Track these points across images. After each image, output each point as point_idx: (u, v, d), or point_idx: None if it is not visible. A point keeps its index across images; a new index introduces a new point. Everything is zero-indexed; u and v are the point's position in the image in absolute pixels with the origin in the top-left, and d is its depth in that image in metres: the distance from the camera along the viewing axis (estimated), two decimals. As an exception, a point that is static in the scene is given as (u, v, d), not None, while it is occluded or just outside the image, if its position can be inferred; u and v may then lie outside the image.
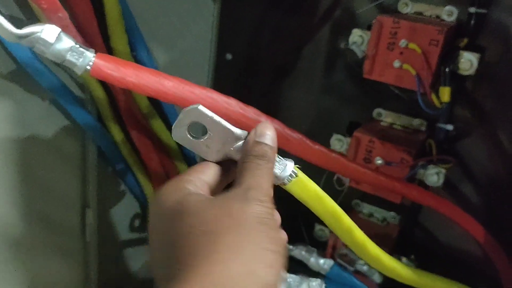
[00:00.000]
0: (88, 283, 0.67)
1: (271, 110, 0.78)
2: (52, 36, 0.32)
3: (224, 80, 0.79)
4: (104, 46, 0.53)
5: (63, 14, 0.41)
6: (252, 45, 0.76)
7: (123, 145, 0.61)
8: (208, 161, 0.32)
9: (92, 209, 0.62)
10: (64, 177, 0.59)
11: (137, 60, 0.61)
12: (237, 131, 0.31)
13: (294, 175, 0.34)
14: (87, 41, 0.51)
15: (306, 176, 0.35)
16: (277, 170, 0.33)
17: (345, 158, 0.53)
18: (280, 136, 0.39)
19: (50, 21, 0.41)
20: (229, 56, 0.77)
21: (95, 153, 0.60)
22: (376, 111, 0.67)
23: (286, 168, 0.33)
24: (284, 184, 0.34)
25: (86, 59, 0.33)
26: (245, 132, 0.31)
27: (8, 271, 0.55)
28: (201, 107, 0.30)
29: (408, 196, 0.57)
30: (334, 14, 0.69)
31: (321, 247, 0.69)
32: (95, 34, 0.51)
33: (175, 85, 0.37)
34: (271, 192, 0.30)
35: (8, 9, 0.31)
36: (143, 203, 0.70)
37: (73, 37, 0.41)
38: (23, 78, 0.50)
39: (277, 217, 0.30)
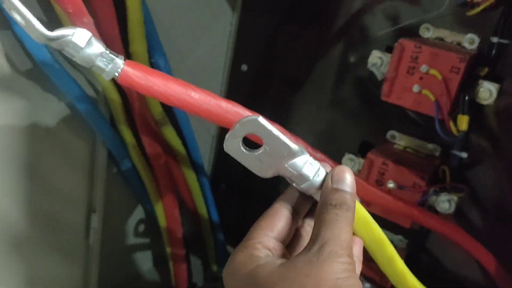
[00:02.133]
0: (87, 286, 0.66)
1: (283, 124, 0.78)
2: (83, 40, 0.31)
3: (238, 91, 0.79)
4: (124, 51, 0.53)
5: (88, 19, 0.41)
6: (268, 57, 0.76)
7: (133, 149, 0.61)
8: (275, 206, 0.31)
9: (98, 214, 0.61)
10: (72, 179, 0.59)
11: (154, 66, 0.61)
12: (295, 147, 0.29)
13: None
14: (107, 45, 0.50)
15: (367, 212, 0.33)
16: None
17: (366, 181, 0.52)
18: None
19: (75, 26, 0.41)
20: (244, 67, 0.77)
21: (104, 156, 0.59)
22: (390, 133, 0.67)
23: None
24: None
25: (116, 65, 0.33)
26: (303, 150, 0.30)
27: (9, 268, 0.55)
28: (261, 119, 0.29)
29: (425, 224, 0.56)
30: (350, 31, 0.69)
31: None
32: (115, 39, 0.50)
33: (201, 97, 0.36)
34: (350, 243, 0.28)
35: (32, 12, 0.30)
36: (149, 209, 0.69)
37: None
38: (39, 78, 0.50)
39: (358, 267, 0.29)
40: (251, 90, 0.79)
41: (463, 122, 0.54)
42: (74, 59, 0.31)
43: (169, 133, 0.65)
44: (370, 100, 0.68)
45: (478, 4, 0.53)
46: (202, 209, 0.75)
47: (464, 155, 0.60)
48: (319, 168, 0.31)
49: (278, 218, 0.30)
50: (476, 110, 0.58)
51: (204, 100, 0.36)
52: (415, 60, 0.55)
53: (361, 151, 0.68)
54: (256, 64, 0.76)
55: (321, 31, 0.72)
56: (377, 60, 0.59)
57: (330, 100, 0.72)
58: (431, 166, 0.61)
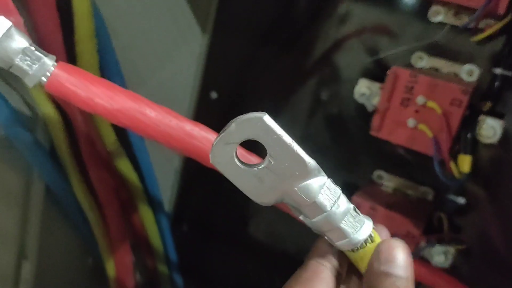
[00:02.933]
0: None
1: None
2: None
3: (206, 121, 0.70)
4: (68, 66, 0.43)
5: (17, 19, 0.31)
6: (240, 84, 0.68)
7: (78, 184, 0.51)
8: (311, 265, 0.23)
9: (30, 261, 0.50)
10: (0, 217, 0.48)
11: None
12: (311, 162, 0.22)
13: (370, 240, 0.24)
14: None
15: None
16: (349, 228, 0.24)
17: None
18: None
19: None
20: (214, 95, 0.68)
21: (42, 191, 0.49)
22: (377, 173, 0.59)
23: (362, 228, 0.24)
24: (353, 250, 0.24)
25: (43, 67, 0.24)
26: (319, 168, 0.23)
27: None
28: (267, 118, 0.22)
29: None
30: (333, 58, 0.62)
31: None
32: (58, 50, 0.41)
33: (159, 116, 0.27)
34: None
35: None
36: (95, 256, 0.59)
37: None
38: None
39: None
40: (220, 120, 0.70)
41: (466, 163, 0.47)
42: None
43: (124, 166, 0.56)
44: (353, 135, 0.61)
45: (482, 30, 0.47)
46: (159, 253, 0.65)
47: (461, 200, 0.53)
48: (339, 196, 0.24)
49: (319, 282, 0.23)
50: (476, 149, 0.51)
51: (162, 120, 0.27)
52: (410, 91, 0.48)
53: (344, 194, 0.60)
54: (226, 91, 0.68)
55: (299, 58, 0.65)
56: (365, 90, 0.52)
57: (307, 135, 0.65)
58: (425, 213, 0.54)
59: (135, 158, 0.57)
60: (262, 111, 0.70)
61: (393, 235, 0.49)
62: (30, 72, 0.24)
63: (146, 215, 0.61)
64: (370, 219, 0.25)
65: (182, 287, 0.70)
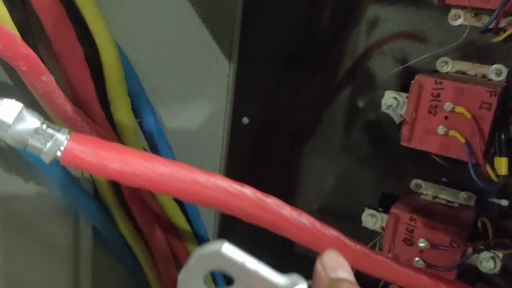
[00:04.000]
0: None
1: (292, 181, 0.71)
2: (11, 115, 0.24)
3: (241, 146, 0.72)
4: (103, 111, 0.46)
5: (48, 77, 0.34)
6: (270, 108, 0.70)
7: (122, 222, 0.53)
8: None
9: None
10: (52, 270, 0.51)
11: (142, 126, 0.55)
12: (281, 282, 0.21)
13: None
14: (83, 107, 0.44)
15: None
16: None
17: (394, 262, 0.41)
18: (310, 234, 0.31)
19: (31, 85, 0.34)
20: (245, 120, 0.70)
21: (89, 236, 0.52)
22: (415, 182, 0.58)
23: None
24: None
25: (57, 143, 0.26)
26: (297, 279, 0.22)
27: None
28: (225, 250, 0.21)
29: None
30: (358, 73, 0.63)
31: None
32: (91, 99, 0.44)
33: (174, 172, 0.28)
34: None
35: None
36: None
37: (60, 105, 0.34)
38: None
39: None
40: (254, 144, 0.72)
41: (502, 165, 0.46)
42: (2, 139, 0.24)
43: (164, 198, 0.58)
44: (387, 146, 0.61)
45: (503, 30, 0.46)
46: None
47: (504, 202, 0.52)
48: None
49: None
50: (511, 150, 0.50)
51: (177, 176, 0.28)
52: (436, 98, 0.48)
53: (382, 205, 0.59)
54: (257, 116, 0.70)
55: (326, 78, 0.65)
56: (391, 101, 0.52)
57: (342, 151, 0.65)
58: (468, 220, 0.52)
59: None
60: (294, 130, 0.71)
61: (435, 245, 0.49)
62: (44, 150, 0.26)
63: (191, 246, 0.63)
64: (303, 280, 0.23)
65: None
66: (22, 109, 0.25)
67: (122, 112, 0.48)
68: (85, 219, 0.51)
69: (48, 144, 0.26)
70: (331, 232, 0.34)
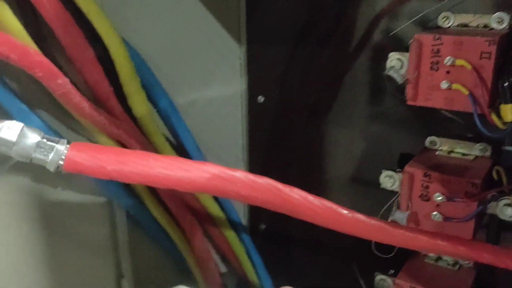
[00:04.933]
0: None
1: (311, 151, 0.73)
2: (14, 134, 0.28)
3: (260, 124, 0.75)
4: (120, 105, 0.50)
5: (63, 80, 0.38)
6: (284, 84, 0.72)
7: (154, 207, 0.57)
8: None
9: (127, 279, 0.58)
10: (95, 262, 0.56)
11: (161, 115, 0.58)
12: None
13: None
14: (102, 103, 0.48)
15: None
16: None
17: (390, 225, 0.43)
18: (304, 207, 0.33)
19: (50, 88, 0.38)
20: (261, 99, 0.72)
21: (123, 218, 0.56)
22: (429, 139, 0.59)
23: None
24: None
25: (57, 153, 0.29)
26: None
27: None
28: None
29: (479, 260, 0.46)
30: (369, 39, 0.64)
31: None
32: (107, 95, 0.48)
33: (169, 166, 0.31)
34: None
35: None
36: (186, 269, 0.65)
37: (78, 103, 0.38)
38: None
39: None
40: (272, 120, 0.74)
41: (508, 112, 0.46)
42: (9, 155, 0.28)
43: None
44: (400, 108, 0.62)
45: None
46: (245, 261, 0.70)
47: (518, 149, 0.52)
48: None
49: None
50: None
51: (172, 169, 0.31)
52: (437, 54, 0.49)
53: (402, 166, 0.61)
54: (272, 93, 0.72)
55: (336, 48, 0.67)
56: (395, 62, 0.53)
57: (358, 118, 0.66)
58: (483, 170, 0.53)
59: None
60: (309, 103, 0.73)
61: (451, 198, 0.50)
62: (48, 160, 0.29)
63: (224, 227, 0.67)
64: None
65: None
66: (23, 127, 0.29)
67: (139, 105, 0.52)
68: (118, 207, 0.55)
69: (50, 155, 0.29)
70: (323, 203, 0.36)
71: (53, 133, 0.46)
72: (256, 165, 0.77)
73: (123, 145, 0.51)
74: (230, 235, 0.68)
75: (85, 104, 0.41)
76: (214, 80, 0.69)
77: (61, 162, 0.29)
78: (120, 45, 0.46)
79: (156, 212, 0.58)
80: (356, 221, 0.38)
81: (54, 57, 0.45)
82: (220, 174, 0.32)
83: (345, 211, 0.38)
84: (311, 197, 0.36)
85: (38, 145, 0.29)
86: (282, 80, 0.72)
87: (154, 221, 0.58)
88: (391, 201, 0.56)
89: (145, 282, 0.61)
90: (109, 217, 0.56)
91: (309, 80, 0.71)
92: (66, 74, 0.45)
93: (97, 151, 0.30)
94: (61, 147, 0.29)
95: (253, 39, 0.71)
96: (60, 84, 0.38)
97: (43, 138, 0.29)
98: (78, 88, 0.46)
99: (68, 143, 0.30)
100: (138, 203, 0.56)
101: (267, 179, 0.34)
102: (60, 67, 0.45)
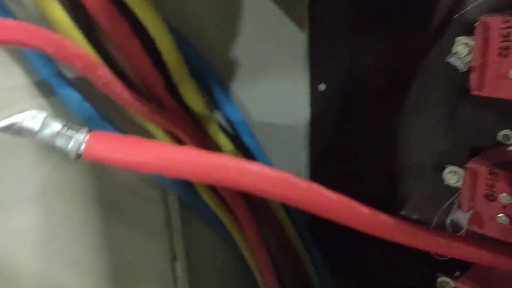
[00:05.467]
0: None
1: (379, 141, 0.69)
2: (37, 123, 0.29)
3: (322, 113, 0.72)
4: (169, 95, 0.51)
5: (102, 71, 0.40)
6: (346, 71, 0.68)
7: (205, 193, 0.58)
8: None
9: (181, 262, 0.60)
10: (150, 245, 0.58)
11: (216, 104, 0.59)
12: None
13: None
14: (150, 92, 0.50)
15: None
16: None
17: (415, 228, 0.39)
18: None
19: (90, 79, 0.40)
20: (322, 87, 0.70)
21: (176, 203, 0.58)
22: (502, 133, 0.53)
23: None
24: None
25: (77, 142, 0.30)
26: None
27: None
28: None
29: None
30: (440, 22, 0.58)
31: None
32: (155, 84, 0.49)
33: (185, 155, 0.31)
34: None
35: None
36: (236, 251, 0.65)
37: (119, 93, 0.39)
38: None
39: None
40: (335, 110, 0.71)
41: None
42: (33, 141, 0.30)
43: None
44: (469, 97, 0.56)
45: None
46: (300, 249, 0.69)
47: None
48: None
49: None
50: None
51: (187, 159, 0.31)
52: (507, 38, 0.43)
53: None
54: (334, 81, 0.69)
55: (403, 34, 0.62)
56: (461, 48, 0.48)
57: (422, 108, 0.61)
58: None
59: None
60: (373, 90, 0.69)
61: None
62: (68, 148, 0.30)
63: (281, 219, 0.66)
64: None
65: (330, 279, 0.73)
66: (46, 117, 0.30)
67: (188, 94, 0.52)
68: (171, 191, 0.57)
69: (70, 144, 0.30)
70: (342, 200, 0.34)
71: (105, 122, 0.49)
72: (319, 155, 0.75)
73: (171, 134, 0.53)
74: (288, 226, 0.67)
75: (126, 94, 0.42)
76: (274, 68, 0.68)
77: (80, 152, 0.31)
78: (166, 34, 0.47)
79: (209, 199, 0.58)
80: (377, 221, 0.35)
81: (104, 47, 0.47)
82: (234, 167, 0.32)
83: (365, 210, 0.35)
84: (329, 193, 0.34)
85: (59, 133, 0.30)
86: (346, 67, 0.69)
87: (206, 207, 0.59)
88: (451, 199, 0.52)
89: (198, 266, 0.63)
90: (163, 201, 0.58)
91: (373, 67, 0.67)
92: (116, 65, 0.48)
93: (115, 141, 0.31)
94: (81, 136, 0.31)
95: (316, 24, 0.68)
96: (100, 75, 0.39)
97: (64, 127, 0.31)
98: (129, 78, 0.48)
99: (88, 132, 0.31)
100: (189, 189, 0.57)
101: (283, 173, 0.33)
102: (110, 58, 0.47)
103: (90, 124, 0.48)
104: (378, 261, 0.72)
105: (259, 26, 0.64)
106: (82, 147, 0.31)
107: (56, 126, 0.31)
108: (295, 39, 0.69)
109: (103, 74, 0.40)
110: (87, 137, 0.31)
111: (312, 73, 0.70)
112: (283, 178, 0.33)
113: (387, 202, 0.68)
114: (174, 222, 0.59)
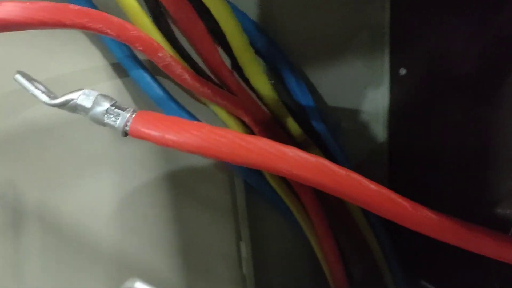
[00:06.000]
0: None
1: (467, 133, 0.63)
2: (89, 101, 0.31)
3: (402, 99, 0.68)
4: (234, 78, 0.51)
5: (163, 53, 0.41)
6: (428, 55, 0.63)
7: (271, 178, 0.58)
8: None
9: (246, 243, 0.61)
10: (217, 225, 0.60)
11: (285, 88, 0.58)
12: None
13: None
14: (215, 74, 0.50)
15: None
16: None
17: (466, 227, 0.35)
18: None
19: (152, 61, 0.42)
20: (402, 71, 0.66)
21: (241, 186, 0.59)
22: None
23: None
24: None
25: (124, 120, 0.32)
26: None
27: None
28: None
29: None
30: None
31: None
32: (220, 66, 0.49)
33: (219, 138, 0.31)
34: None
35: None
36: (305, 239, 0.65)
37: (180, 74, 0.41)
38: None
39: None
40: (418, 97, 0.67)
41: None
42: (86, 118, 0.32)
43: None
44: None
45: None
46: (373, 244, 0.66)
47: None
48: None
49: None
50: None
51: (223, 141, 0.31)
52: None
53: None
54: (415, 66, 0.65)
55: (500, 16, 0.56)
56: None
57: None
58: None
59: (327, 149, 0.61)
60: (457, 76, 0.63)
61: None
62: (116, 126, 0.32)
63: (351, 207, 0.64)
64: None
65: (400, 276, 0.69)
66: (97, 95, 0.32)
67: (254, 76, 0.52)
68: (237, 175, 0.58)
69: (118, 121, 0.32)
70: (381, 190, 0.32)
71: (172, 102, 0.51)
72: (398, 143, 0.71)
73: (235, 116, 0.53)
74: (358, 215, 0.65)
75: (186, 76, 0.43)
76: (351, 50, 0.65)
77: (126, 129, 0.32)
78: (230, 16, 0.47)
79: (275, 185, 0.58)
80: (419, 216, 0.32)
81: (172, 30, 0.49)
82: (271, 150, 0.31)
83: (406, 203, 0.33)
84: (367, 183, 0.32)
85: (107, 111, 0.32)
86: (430, 51, 0.64)
87: (273, 193, 0.59)
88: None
89: (263, 249, 0.63)
90: (230, 184, 0.60)
91: (463, 52, 0.61)
92: (182, 48, 0.49)
93: (158, 120, 0.32)
94: (127, 114, 0.32)
95: (398, 3, 0.64)
96: (160, 57, 0.41)
97: (112, 105, 0.32)
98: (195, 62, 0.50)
99: (135, 111, 0.33)
100: (256, 174, 0.58)
101: (320, 159, 0.32)
102: (177, 41, 0.49)
103: (159, 104, 0.51)
104: (454, 262, 0.67)
105: (334, 4, 0.62)
106: (128, 124, 0.32)
107: (105, 104, 0.32)
108: (374, 19, 0.65)
109: (163, 56, 0.41)
110: (133, 115, 0.32)
111: (392, 56, 0.67)
112: (320, 164, 0.32)
113: (473, 197, 0.62)
114: (240, 205, 0.60)
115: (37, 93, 0.32)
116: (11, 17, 0.31)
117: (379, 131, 0.71)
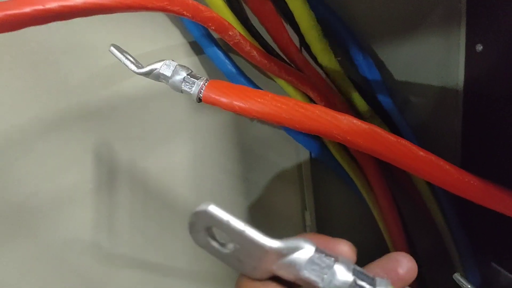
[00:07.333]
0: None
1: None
2: (169, 70, 0.36)
3: (479, 77, 0.66)
4: (302, 54, 0.54)
5: (233, 32, 0.45)
6: (505, 31, 0.61)
7: (336, 151, 0.61)
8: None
9: (310, 212, 0.64)
10: (284, 191, 0.64)
11: (352, 64, 0.60)
12: (272, 244, 0.21)
13: None
14: (283, 51, 0.54)
15: None
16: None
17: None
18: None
19: (224, 39, 0.46)
20: (479, 47, 0.64)
21: (307, 157, 0.62)
22: None
23: None
24: None
25: (198, 87, 0.36)
26: (300, 241, 0.22)
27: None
28: (211, 208, 0.22)
29: None
30: None
31: None
32: (287, 44, 0.53)
33: (280, 104, 0.34)
34: None
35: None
36: (369, 210, 0.67)
37: (248, 52, 0.45)
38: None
39: None
40: (489, 72, 0.65)
41: None
42: (168, 85, 0.37)
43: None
44: None
45: None
46: (439, 220, 0.67)
47: None
48: (332, 268, 0.22)
49: None
50: None
51: (284, 108, 0.34)
52: None
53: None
54: (492, 42, 0.63)
55: None
56: None
57: None
58: None
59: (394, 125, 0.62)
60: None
61: None
62: (191, 92, 0.36)
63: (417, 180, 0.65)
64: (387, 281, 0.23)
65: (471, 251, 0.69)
66: (176, 65, 0.37)
67: (321, 54, 0.55)
68: (303, 147, 0.62)
69: (193, 88, 0.37)
70: (429, 157, 0.34)
71: (242, 77, 0.55)
72: (473, 122, 0.70)
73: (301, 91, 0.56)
74: (423, 189, 0.65)
75: (254, 53, 0.47)
76: (423, 24, 0.65)
77: (200, 95, 0.37)
78: (298, -4, 0.50)
79: (339, 156, 0.61)
80: (464, 181, 0.33)
81: (245, 10, 0.53)
82: (327, 117, 0.34)
83: (453, 169, 0.34)
84: (416, 149, 0.34)
85: (184, 79, 0.37)
86: (503, 26, 0.62)
87: (337, 164, 0.62)
88: None
89: (327, 218, 0.66)
90: (296, 155, 0.63)
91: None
92: (253, 27, 0.53)
93: (227, 88, 0.37)
94: (201, 83, 0.37)
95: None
96: (230, 35, 0.45)
97: (188, 74, 0.37)
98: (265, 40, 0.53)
99: (207, 80, 0.37)
100: (320, 146, 0.61)
101: (372, 126, 0.34)
102: (248, 20, 0.53)
103: (230, 79, 0.55)
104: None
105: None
106: (202, 91, 0.37)
107: (183, 73, 0.37)
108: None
109: (233, 35, 0.45)
110: (206, 84, 0.37)
111: (469, 31, 0.65)
112: (371, 131, 0.34)
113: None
114: (305, 175, 0.63)
115: (127, 63, 0.38)
116: (104, 1, 0.37)
117: (452, 110, 0.70)
